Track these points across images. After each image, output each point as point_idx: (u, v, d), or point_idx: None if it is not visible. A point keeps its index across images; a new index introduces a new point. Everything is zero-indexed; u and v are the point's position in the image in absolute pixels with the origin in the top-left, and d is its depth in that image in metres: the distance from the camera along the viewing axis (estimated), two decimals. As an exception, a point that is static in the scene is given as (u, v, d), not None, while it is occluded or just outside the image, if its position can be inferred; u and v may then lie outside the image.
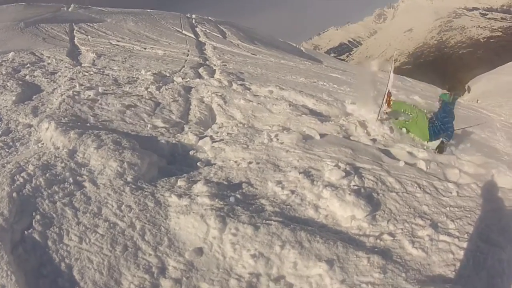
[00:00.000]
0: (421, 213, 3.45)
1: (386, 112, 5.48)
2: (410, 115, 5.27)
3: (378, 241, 3.02)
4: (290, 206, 3.61)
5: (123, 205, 3.25)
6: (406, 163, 4.70)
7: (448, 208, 3.59)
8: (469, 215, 3.47)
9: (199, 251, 2.88)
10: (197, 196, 3.49)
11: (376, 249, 2.88)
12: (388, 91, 5.32)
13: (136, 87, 7.81)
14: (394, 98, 5.28)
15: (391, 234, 3.10)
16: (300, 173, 4.18)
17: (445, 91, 4.65)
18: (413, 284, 2.47)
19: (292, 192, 3.84)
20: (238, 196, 3.71)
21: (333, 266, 2.63)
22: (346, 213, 3.46)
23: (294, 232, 2.96)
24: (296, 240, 2.89)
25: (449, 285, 2.48)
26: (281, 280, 2.63)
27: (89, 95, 6.63)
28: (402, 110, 5.37)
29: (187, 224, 3.13)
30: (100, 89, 7.11)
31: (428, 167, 4.66)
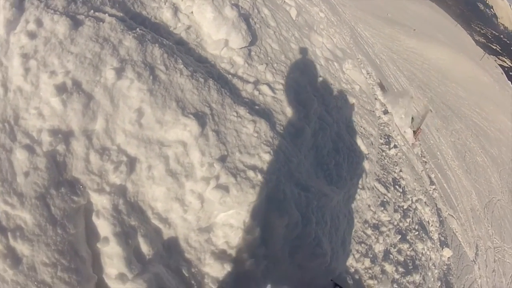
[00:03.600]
0: (300, 68, 2.78)
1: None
2: None
3: (257, 93, 2.19)
4: (136, -3, 2.09)
5: None
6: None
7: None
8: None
9: None
10: None
11: (257, 107, 2.05)
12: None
13: None
14: None
15: (270, 86, 2.30)
16: None
17: None
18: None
19: (143, -27, 2.24)
20: None
21: (204, 127, 1.62)
22: (218, 34, 2.35)
23: (140, 42, 1.64)
24: (144, 59, 1.61)
25: None
26: (109, 149, 1.43)
27: None
28: None
29: None
30: None
31: (297, 19, 3.98)
